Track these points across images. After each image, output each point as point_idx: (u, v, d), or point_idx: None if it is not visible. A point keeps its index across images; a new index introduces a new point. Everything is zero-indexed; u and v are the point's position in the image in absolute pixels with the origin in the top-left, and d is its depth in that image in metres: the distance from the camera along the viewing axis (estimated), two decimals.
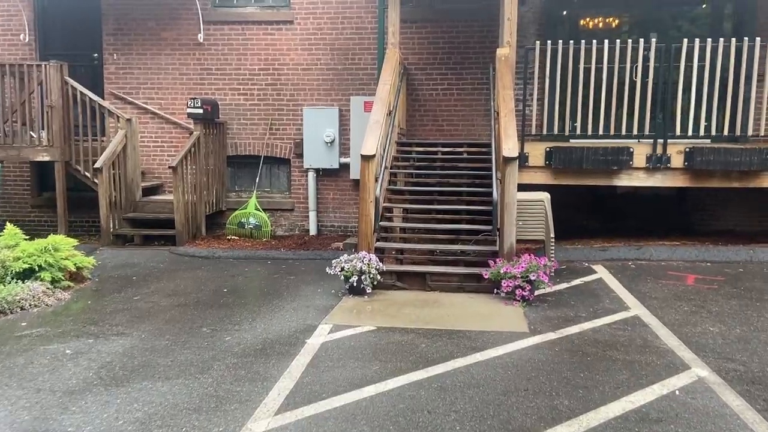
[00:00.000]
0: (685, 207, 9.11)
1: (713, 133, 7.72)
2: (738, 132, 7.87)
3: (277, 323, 5.26)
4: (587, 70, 7.69)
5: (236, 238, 9.48)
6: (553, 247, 6.80)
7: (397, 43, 8.37)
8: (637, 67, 7.71)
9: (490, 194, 7.33)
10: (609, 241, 8.24)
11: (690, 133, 7.65)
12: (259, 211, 9.65)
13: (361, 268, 6.09)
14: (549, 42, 7.81)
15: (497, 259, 6.16)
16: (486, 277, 6.06)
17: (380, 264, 6.25)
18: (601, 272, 6.85)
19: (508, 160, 6.14)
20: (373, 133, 6.65)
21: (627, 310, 5.50)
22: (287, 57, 9.91)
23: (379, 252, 6.74)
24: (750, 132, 7.94)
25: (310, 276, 7.07)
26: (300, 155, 9.88)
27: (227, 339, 4.87)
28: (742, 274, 6.64)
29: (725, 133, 7.79)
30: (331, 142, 9.67)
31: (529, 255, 6.06)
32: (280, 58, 9.92)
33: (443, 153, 8.11)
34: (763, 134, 7.83)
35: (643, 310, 5.46)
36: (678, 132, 7.69)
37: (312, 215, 9.92)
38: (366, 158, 6.37)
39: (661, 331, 4.92)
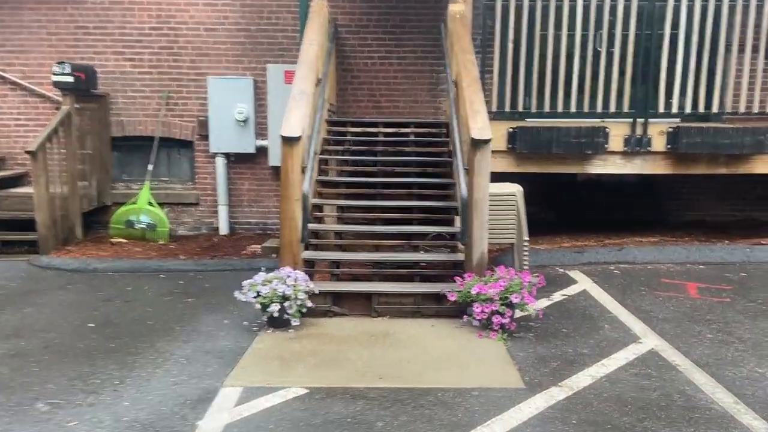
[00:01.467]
0: (656, 196, 8.03)
1: (687, 110, 6.59)
2: (715, 109, 6.77)
3: (157, 388, 3.50)
4: (557, 37, 6.31)
5: (124, 241, 7.49)
6: (526, 254, 5.41)
7: None
8: (614, 32, 6.40)
9: (447, 186, 5.84)
10: (578, 238, 7.00)
11: (675, 110, 6.45)
12: (154, 206, 7.69)
13: (284, 292, 4.42)
14: None
15: (466, 275, 4.67)
16: (452, 299, 4.56)
17: (310, 284, 4.60)
18: (583, 281, 5.54)
19: (478, 144, 4.63)
20: (298, 107, 4.95)
21: (638, 341, 4.18)
22: (186, 14, 7.91)
23: (309, 265, 5.09)
24: (728, 109, 6.88)
25: (215, 297, 5.32)
26: (206, 137, 7.97)
27: (69, 425, 3.09)
28: (748, 280, 5.53)
29: (701, 110, 6.68)
30: (245, 121, 7.83)
31: (505, 267, 4.61)
32: (176, 14, 7.92)
33: (385, 135, 6.52)
34: (743, 111, 6.78)
35: (658, 341, 4.16)
36: (661, 110, 6.47)
37: (222, 210, 8.07)
38: (289, 141, 4.67)
39: (698, 378, 3.61)
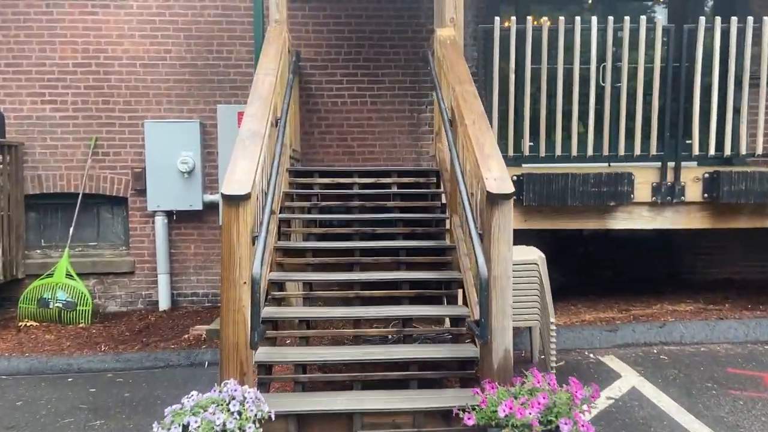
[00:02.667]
0: (675, 250, 6.86)
1: (711, 153, 5.42)
2: (744, 151, 5.63)
3: None
4: (567, 70, 5.17)
5: (34, 324, 5.89)
6: (554, 341, 4.06)
7: (285, 21, 5.38)
8: (636, 63, 5.30)
9: (444, 251, 4.51)
10: (598, 305, 5.72)
11: (712, 152, 5.32)
12: (74, 278, 6.13)
13: (224, 425, 2.96)
14: (514, 20, 5.22)
15: (486, 382, 3.29)
16: (470, 423, 3.16)
17: (264, 406, 3.13)
18: (628, 374, 4.22)
19: (496, 200, 3.32)
20: (247, 154, 3.59)
21: None
22: (118, 47, 6.58)
23: (264, 370, 3.65)
24: (744, 151, 5.73)
25: (134, 417, 3.79)
26: (142, 192, 6.53)
27: None
28: None
29: (725, 152, 5.56)
30: (190, 172, 6.43)
31: (537, 372, 3.25)
32: (107, 48, 6.57)
33: (362, 186, 5.20)
34: (761, 153, 5.65)
35: None
36: (696, 151, 5.33)
37: (163, 280, 6.55)
38: (234, 201, 3.28)
39: None
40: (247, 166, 3.48)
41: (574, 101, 5.17)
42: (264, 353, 3.67)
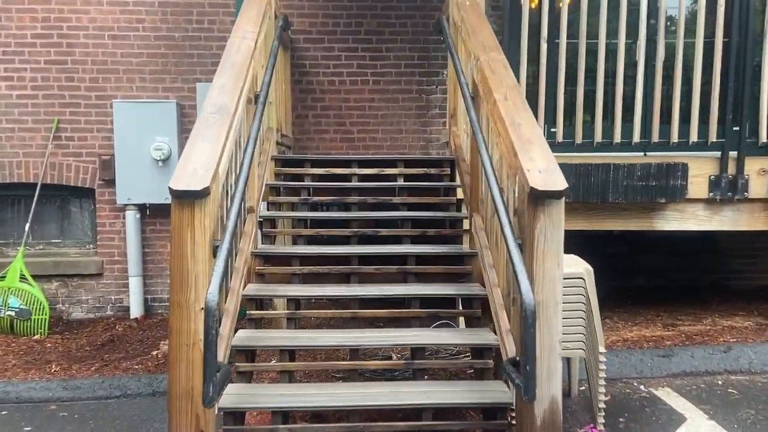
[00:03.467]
0: (720, 253, 5.96)
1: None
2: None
3: None
4: (612, 43, 4.26)
5: None
6: (603, 375, 3.18)
7: None
8: (694, 35, 4.38)
9: (462, 259, 3.62)
10: (637, 318, 4.84)
11: None
12: (29, 282, 5.25)
13: None
14: None
15: None
16: None
17: None
18: (694, 416, 3.33)
19: (541, 199, 2.43)
20: (209, 134, 2.69)
21: None
22: (84, 16, 5.66)
23: (233, 419, 2.78)
24: None
25: None
26: (111, 182, 5.64)
27: None
28: None
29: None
30: (166, 160, 5.53)
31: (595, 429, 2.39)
32: (71, 17, 5.65)
33: (362, 178, 4.31)
34: None
35: None
36: (765, 138, 4.41)
37: (134, 283, 5.67)
38: (186, 198, 2.38)
39: None
40: (208, 151, 2.58)
41: (618, 79, 4.26)
42: (233, 396, 2.80)
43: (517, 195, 2.62)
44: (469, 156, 3.83)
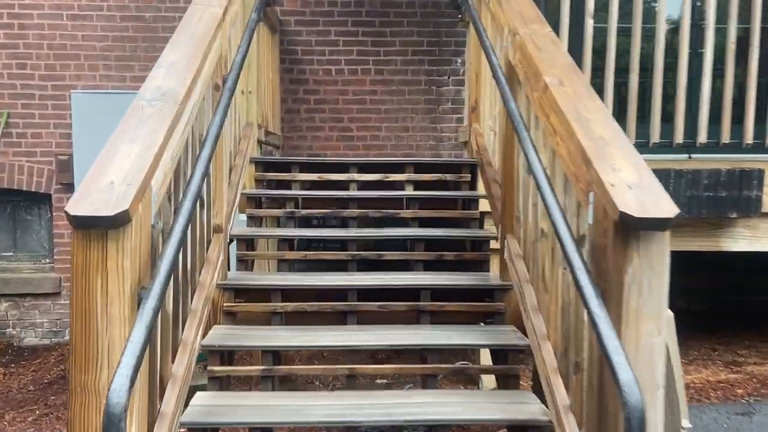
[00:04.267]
0: None
1: None
2: None
3: None
4: (672, 28, 3.41)
5: None
6: None
7: None
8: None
9: (489, 294, 2.78)
10: (688, 348, 4.02)
11: None
12: None
13: None
14: None
15: None
16: None
17: None
18: None
19: (636, 229, 1.58)
20: (142, 130, 1.84)
21: None
22: None
23: None
24: None
25: None
26: (70, 186, 4.78)
27: None
28: None
29: None
30: None
31: None
32: None
33: (362, 186, 3.46)
34: None
35: None
36: None
37: None
38: (93, 228, 1.54)
39: None
40: (135, 156, 1.73)
41: (681, 69, 3.41)
42: None
43: (591, 221, 1.77)
44: (499, 160, 2.99)
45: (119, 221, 1.53)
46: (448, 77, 4.94)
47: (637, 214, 1.56)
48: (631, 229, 1.59)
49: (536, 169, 2.01)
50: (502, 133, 2.78)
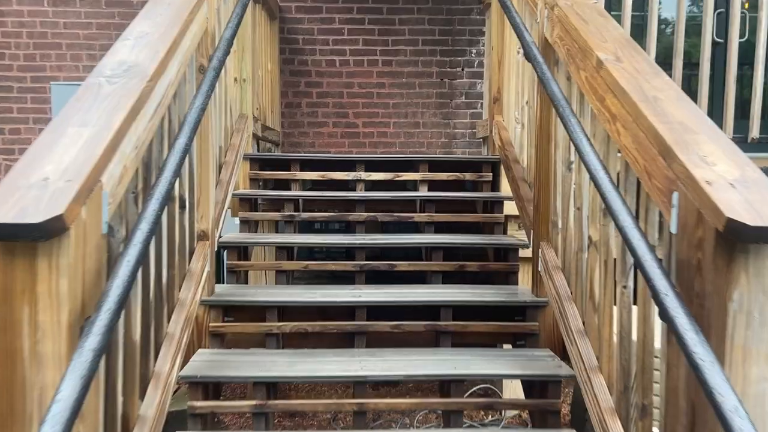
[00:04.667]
0: None
1: None
2: None
3: None
4: None
5: None
6: None
7: None
8: None
9: (521, 312, 2.36)
10: None
11: None
12: None
13: None
14: None
15: None
16: None
17: None
18: None
19: (746, 241, 1.19)
20: (92, 116, 1.43)
21: None
22: None
23: None
24: None
25: None
26: None
27: None
28: None
29: None
30: None
31: None
32: None
33: (370, 186, 3.06)
34: None
35: None
36: None
37: None
38: (17, 238, 1.15)
39: None
40: (84, 143, 1.32)
41: None
42: None
43: (675, 230, 1.36)
44: (530, 156, 2.59)
45: (52, 230, 1.13)
46: (462, 69, 4.55)
47: (751, 222, 1.15)
48: (739, 242, 1.18)
49: (593, 165, 1.60)
50: (536, 124, 2.37)
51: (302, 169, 3.12)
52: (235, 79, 3.04)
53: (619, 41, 1.87)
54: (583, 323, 1.99)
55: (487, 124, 3.38)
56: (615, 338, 1.75)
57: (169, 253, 1.93)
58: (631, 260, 1.70)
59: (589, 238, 1.94)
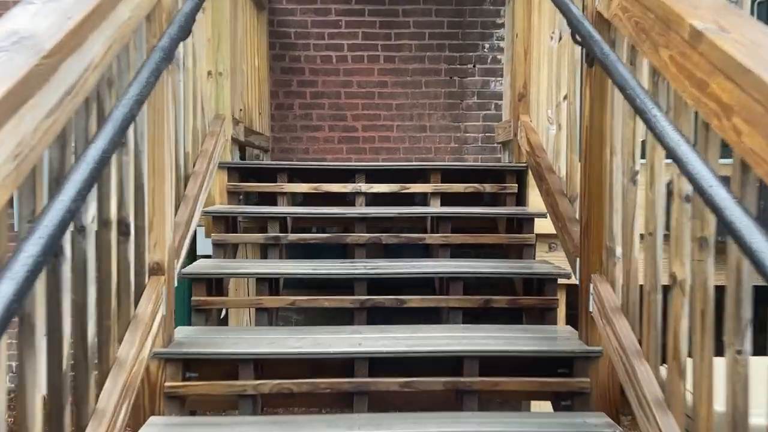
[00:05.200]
0: None
1: None
2: None
3: None
4: None
5: None
6: None
7: None
8: None
9: (567, 365, 1.81)
10: None
11: None
12: None
13: None
14: None
15: None
16: None
17: None
18: None
19: None
20: None
21: None
22: None
23: None
24: None
25: None
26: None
27: None
28: None
29: None
30: None
31: None
32: None
33: (371, 200, 2.55)
34: None
35: None
36: None
37: None
38: None
39: None
40: None
41: None
42: None
43: None
44: (571, 163, 2.07)
45: None
46: (474, 65, 4.04)
47: None
48: None
49: (704, 180, 1.07)
50: (584, 125, 1.85)
51: (291, 180, 2.60)
52: (210, 73, 2.53)
53: (715, 6, 1.35)
54: (666, 393, 1.46)
55: (509, 125, 2.86)
56: (725, 422, 1.23)
57: (100, 298, 1.42)
58: (748, 315, 1.18)
59: (672, 276, 1.42)
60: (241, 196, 2.61)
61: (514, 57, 2.74)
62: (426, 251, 2.41)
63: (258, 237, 2.38)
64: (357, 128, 4.05)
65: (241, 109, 3.17)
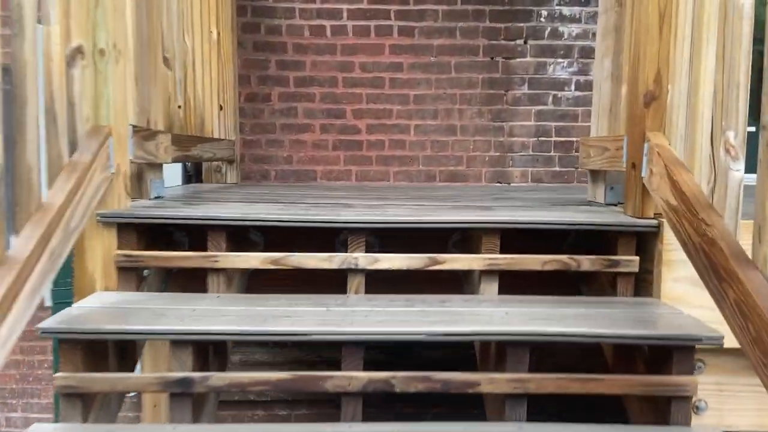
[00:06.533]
0: None
1: None
2: None
3: None
4: None
5: None
6: None
7: None
8: None
9: None
10: None
11: None
12: None
13: None
14: None
15: None
16: None
17: None
18: None
19: None
20: None
21: None
22: None
23: None
24: None
25: None
26: None
27: None
28: None
29: None
30: None
31: None
32: None
33: (377, 284, 1.36)
34: None
35: None
36: None
37: None
38: None
39: None
40: None
41: None
42: None
43: None
44: None
45: None
46: (525, 41, 2.79)
47: None
48: None
49: None
50: None
51: (232, 243, 1.41)
52: (76, 51, 1.33)
53: None
54: None
55: (620, 147, 1.60)
56: None
57: None
58: None
59: None
60: (142, 277, 1.43)
61: (633, 23, 1.49)
62: (478, 409, 1.23)
63: (154, 386, 1.19)
64: (359, 128, 2.83)
65: (179, 106, 2.00)
